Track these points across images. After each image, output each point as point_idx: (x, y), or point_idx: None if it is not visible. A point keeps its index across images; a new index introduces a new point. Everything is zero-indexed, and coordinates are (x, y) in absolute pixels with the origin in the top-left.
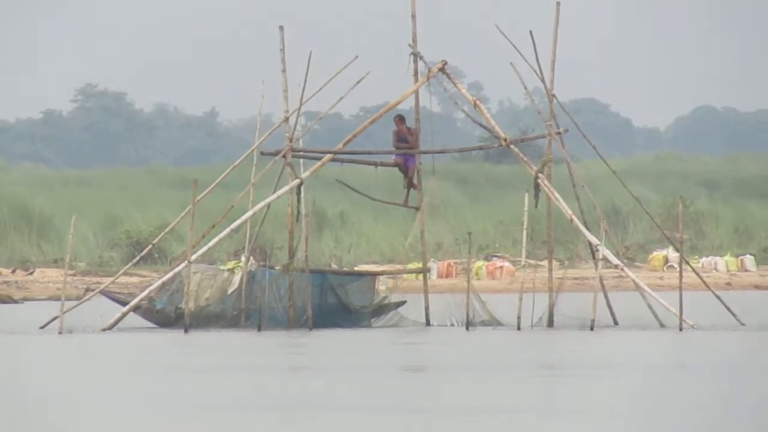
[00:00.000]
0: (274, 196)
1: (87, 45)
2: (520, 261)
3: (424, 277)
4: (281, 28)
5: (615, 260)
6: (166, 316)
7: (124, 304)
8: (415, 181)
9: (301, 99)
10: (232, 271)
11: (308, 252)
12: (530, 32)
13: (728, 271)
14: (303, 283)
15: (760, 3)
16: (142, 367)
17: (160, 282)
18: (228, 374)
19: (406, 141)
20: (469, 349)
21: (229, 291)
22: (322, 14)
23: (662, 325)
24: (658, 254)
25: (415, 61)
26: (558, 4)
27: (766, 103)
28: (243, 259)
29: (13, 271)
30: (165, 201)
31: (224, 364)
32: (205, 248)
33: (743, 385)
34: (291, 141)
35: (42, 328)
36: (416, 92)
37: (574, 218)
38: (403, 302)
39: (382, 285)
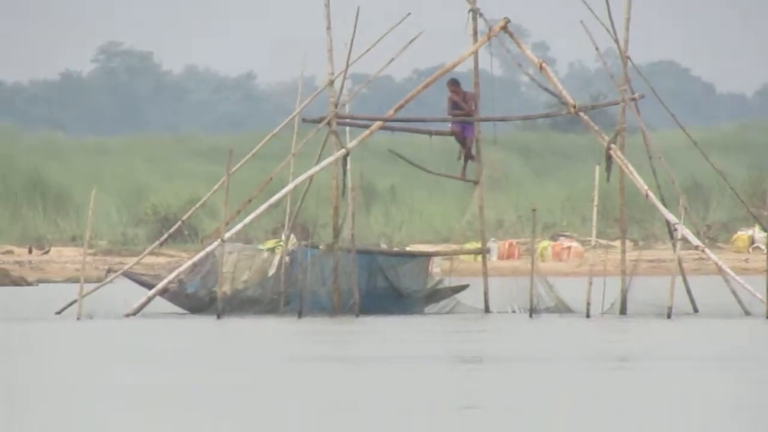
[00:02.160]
0: (317, 167)
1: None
2: (589, 241)
3: (483, 258)
4: None
5: (695, 241)
6: (197, 300)
7: (150, 287)
8: (473, 152)
9: (348, 60)
10: (272, 251)
11: (355, 230)
12: None
13: None
14: (349, 264)
15: None
16: (170, 357)
17: (190, 263)
18: (264, 365)
19: (461, 108)
20: (532, 339)
21: (270, 273)
22: None
23: (747, 313)
24: (743, 234)
25: (475, 19)
26: None
27: None
28: (283, 237)
29: (30, 251)
30: (196, 172)
31: (260, 354)
32: (240, 225)
33: None
34: (336, 107)
35: (58, 313)
36: (475, 53)
37: (650, 194)
38: (464, 287)
39: (436, 267)
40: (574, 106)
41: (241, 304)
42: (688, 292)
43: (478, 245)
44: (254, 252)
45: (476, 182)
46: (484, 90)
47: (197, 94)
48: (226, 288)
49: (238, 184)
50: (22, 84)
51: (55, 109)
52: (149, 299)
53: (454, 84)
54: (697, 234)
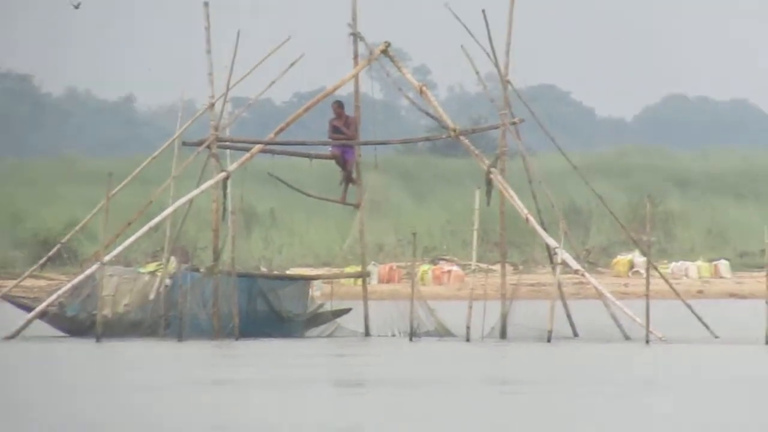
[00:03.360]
0: (198, 190)
1: None
2: (470, 265)
3: (364, 282)
4: (206, 4)
5: (575, 265)
6: (78, 323)
7: (29, 309)
8: (354, 175)
9: (228, 83)
10: (153, 274)
11: (235, 253)
12: (483, 11)
13: (700, 277)
14: (229, 287)
15: None
16: (47, 380)
17: (69, 286)
18: (141, 389)
19: (341, 132)
20: (412, 363)
21: (151, 296)
22: None
23: (627, 338)
24: (622, 258)
25: (355, 43)
26: None
27: (742, 92)
28: (163, 260)
29: None
30: (76, 196)
31: (138, 378)
32: (120, 248)
33: (715, 402)
34: (216, 130)
35: None
36: (356, 77)
37: (530, 218)
38: (346, 311)
39: (317, 291)
40: (455, 130)
41: (121, 328)
42: (568, 316)
43: (359, 269)
44: (135, 275)
45: (357, 206)
46: (365, 113)
47: (77, 117)
48: (107, 311)
49: (119, 207)
50: None
51: None
52: (28, 322)
53: (339, 106)
54: (577, 258)
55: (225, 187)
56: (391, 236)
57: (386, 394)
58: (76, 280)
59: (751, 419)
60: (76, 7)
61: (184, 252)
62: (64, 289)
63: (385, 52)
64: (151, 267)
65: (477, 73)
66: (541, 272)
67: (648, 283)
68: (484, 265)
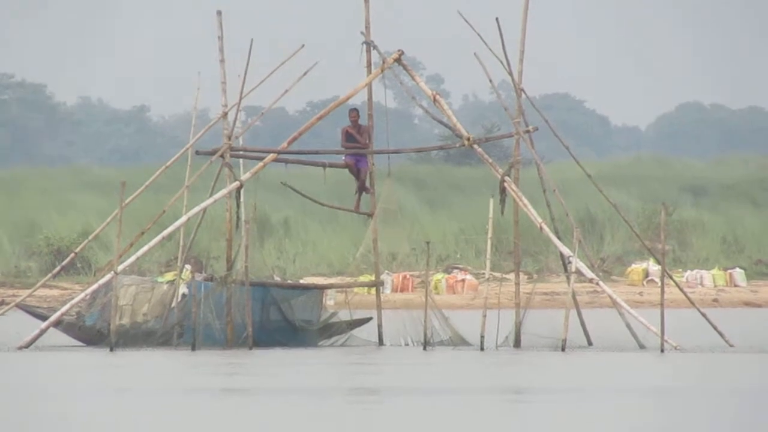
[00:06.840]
0: (211, 200)
1: (1, 31)
2: (483, 274)
3: (377, 291)
4: (219, 13)
5: (589, 274)
6: (95, 332)
7: (44, 319)
8: (367, 184)
9: (241, 92)
10: (172, 283)
11: (248, 263)
12: (496, 19)
13: (715, 286)
14: (242, 297)
15: None
16: (60, 389)
17: (83, 294)
18: (155, 397)
19: (354, 140)
20: (426, 372)
21: (171, 305)
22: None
23: (641, 346)
24: (637, 267)
25: (368, 51)
26: None
27: (759, 99)
28: (177, 270)
29: None
30: (89, 205)
31: (151, 386)
32: (133, 258)
33: (729, 413)
34: (230, 139)
35: None
36: (369, 86)
37: (544, 226)
38: (365, 320)
39: (330, 300)
40: (468, 139)
41: (137, 337)
42: (582, 325)
43: (372, 278)
44: (153, 285)
45: (370, 215)
46: (378, 122)
47: (90, 126)
48: (126, 321)
49: (132, 216)
50: None
51: None
52: (42, 331)
53: (355, 113)
54: (592, 267)
55: (238, 197)
56: (404, 245)
57: (400, 403)
58: (90, 289)
59: (763, 429)
60: None
61: (198, 261)
62: (78, 298)
63: (398, 60)
64: (170, 276)
65: (490, 81)
66: (555, 281)
67: (663, 292)
68: (498, 274)
